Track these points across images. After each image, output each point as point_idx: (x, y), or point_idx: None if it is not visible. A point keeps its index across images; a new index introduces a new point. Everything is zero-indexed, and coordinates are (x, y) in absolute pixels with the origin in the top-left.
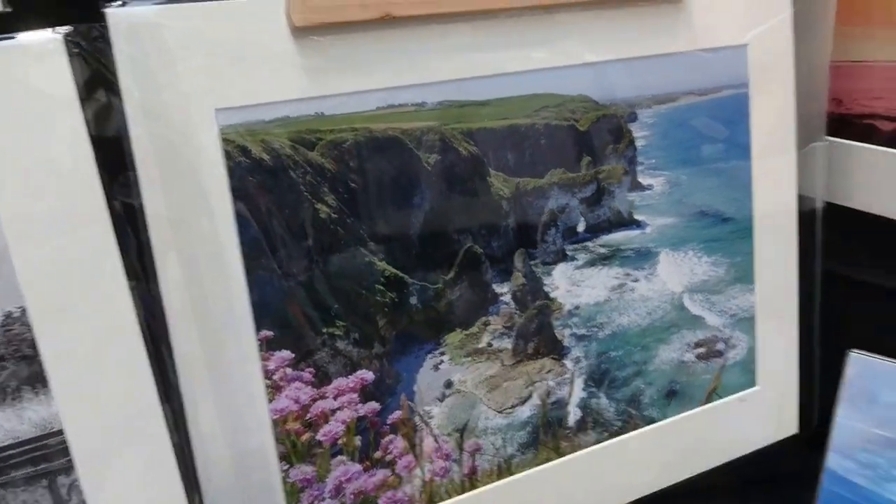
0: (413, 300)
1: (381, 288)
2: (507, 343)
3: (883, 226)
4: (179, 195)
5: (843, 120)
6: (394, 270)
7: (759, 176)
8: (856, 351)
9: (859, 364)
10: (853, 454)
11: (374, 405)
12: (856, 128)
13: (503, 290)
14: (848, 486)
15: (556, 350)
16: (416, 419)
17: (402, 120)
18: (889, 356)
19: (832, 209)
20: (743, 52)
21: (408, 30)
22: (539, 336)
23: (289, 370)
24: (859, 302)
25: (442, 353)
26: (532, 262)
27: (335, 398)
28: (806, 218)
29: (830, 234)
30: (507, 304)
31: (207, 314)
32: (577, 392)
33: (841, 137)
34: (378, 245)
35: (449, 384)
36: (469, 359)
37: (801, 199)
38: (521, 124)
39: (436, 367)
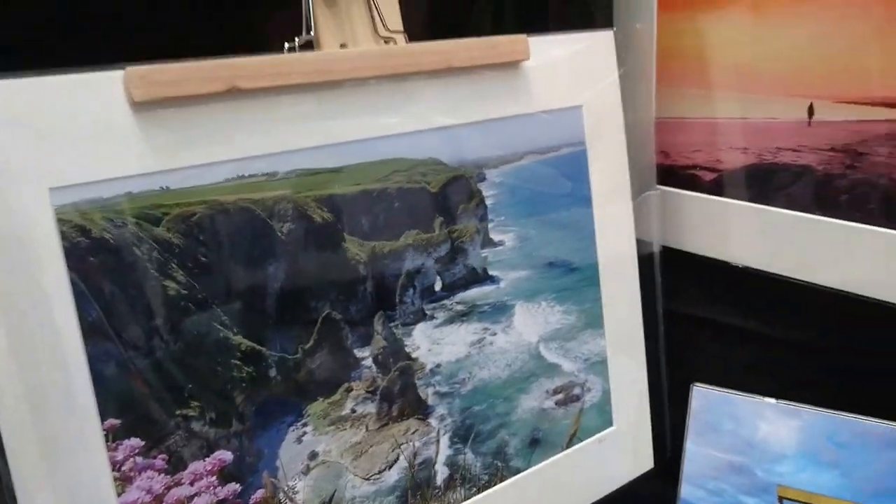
0: (272, 372)
1: (238, 363)
2: (371, 407)
3: (712, 266)
4: (11, 279)
5: (670, 170)
6: (250, 343)
7: (601, 225)
8: (698, 384)
9: (702, 396)
10: (703, 483)
11: (234, 487)
12: (681, 177)
13: (364, 354)
14: None
15: (421, 410)
16: (281, 496)
17: (253, 190)
18: (729, 387)
19: (668, 252)
20: (579, 113)
21: (255, 101)
22: (403, 397)
23: (139, 459)
24: (699, 338)
25: (304, 425)
26: (392, 324)
27: (192, 484)
28: (645, 262)
29: (668, 275)
30: (368, 367)
31: (44, 404)
32: (444, 450)
33: (670, 186)
34: (233, 318)
35: (313, 455)
36: (333, 427)
37: (640, 245)
38: (374, 189)
39: (299, 440)
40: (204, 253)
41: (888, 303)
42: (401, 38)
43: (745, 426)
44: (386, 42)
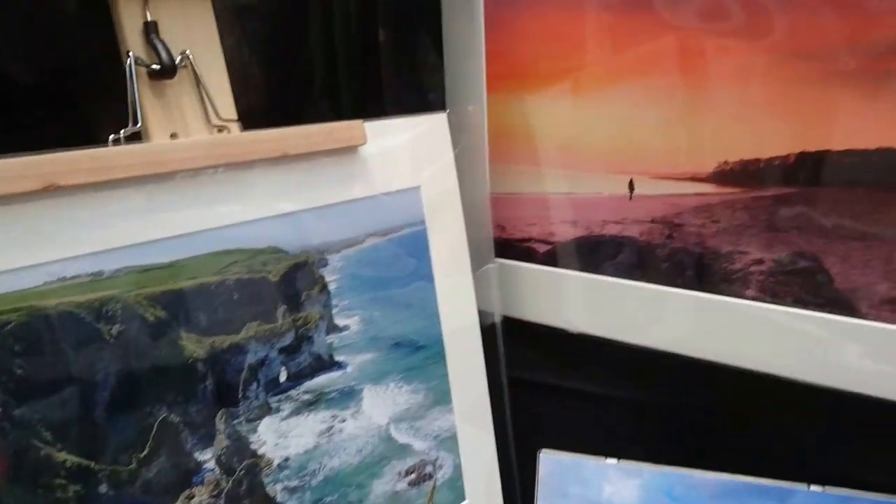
0: (103, 488)
1: (63, 482)
2: None
3: (551, 333)
4: None
5: (507, 244)
6: (77, 459)
7: (444, 301)
8: (545, 450)
9: (549, 462)
10: None
11: None
12: (518, 250)
13: (206, 456)
14: None
15: None
16: None
17: (76, 293)
18: (574, 450)
19: (509, 322)
20: (417, 193)
21: (77, 197)
22: (250, 497)
23: None
24: (544, 404)
25: None
26: (235, 422)
27: None
28: (487, 333)
29: (510, 345)
30: (211, 470)
31: None
32: None
33: (508, 259)
34: (56, 434)
35: None
36: None
37: (482, 316)
38: (211, 282)
39: None
40: (21, 365)
41: (708, 361)
42: (235, 127)
43: (591, 488)
44: (220, 131)
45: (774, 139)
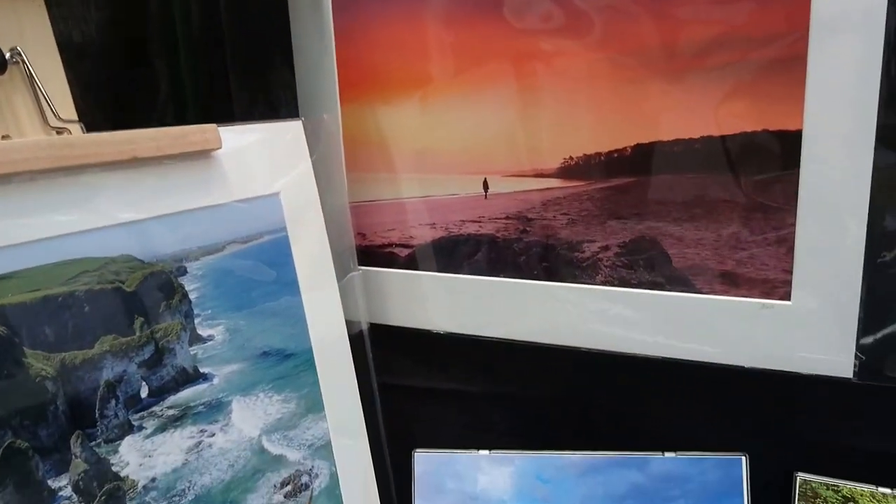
0: None
1: None
2: None
3: (417, 336)
4: None
5: (368, 251)
6: None
7: (310, 310)
8: (419, 450)
9: (424, 461)
10: None
11: None
12: (380, 256)
13: (61, 483)
14: None
15: None
16: None
17: None
18: (448, 448)
19: (376, 329)
20: (277, 200)
21: None
22: None
23: None
24: (415, 406)
25: None
26: (93, 444)
27: None
28: (355, 341)
29: (379, 351)
30: (68, 498)
31: None
32: None
33: (370, 266)
34: None
35: None
36: None
37: (349, 325)
38: (58, 294)
39: None
40: None
41: (567, 347)
42: (76, 129)
43: (466, 481)
44: (59, 133)
45: (612, 134)
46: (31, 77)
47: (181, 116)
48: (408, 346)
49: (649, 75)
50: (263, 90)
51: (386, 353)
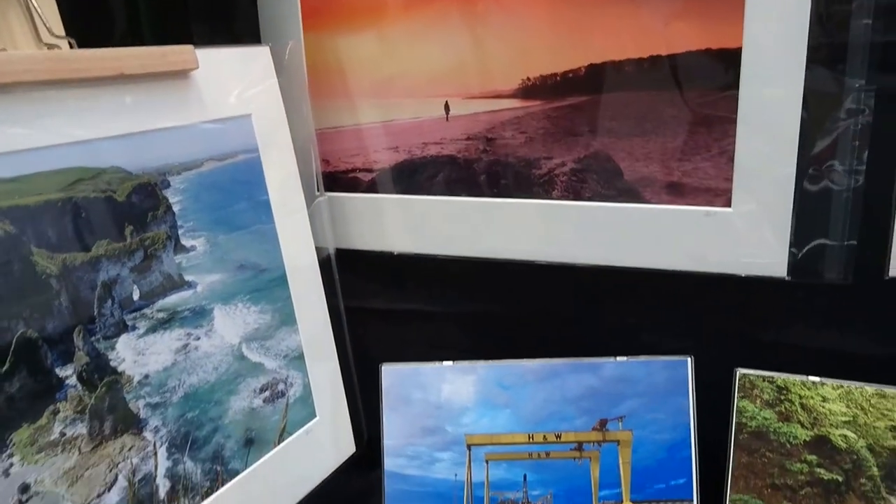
0: None
1: None
2: (82, 428)
3: (382, 259)
4: None
5: (333, 177)
6: None
7: (282, 230)
8: (386, 363)
9: (391, 374)
10: (403, 451)
11: None
12: (344, 181)
13: (67, 372)
14: (405, 480)
15: (134, 424)
16: None
17: None
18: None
19: (342, 254)
20: (249, 121)
21: None
22: (113, 413)
23: None
24: (382, 326)
25: (10, 456)
26: (93, 339)
27: None
28: (323, 265)
29: (346, 275)
30: (73, 386)
31: None
32: (163, 462)
33: (335, 191)
34: None
35: (25, 488)
36: (42, 454)
37: (317, 250)
38: (58, 199)
39: (6, 473)
40: None
41: (525, 261)
42: (65, 45)
43: (431, 391)
44: (50, 48)
45: (566, 55)
46: None
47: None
48: (373, 268)
49: None
50: (224, 17)
51: (352, 277)
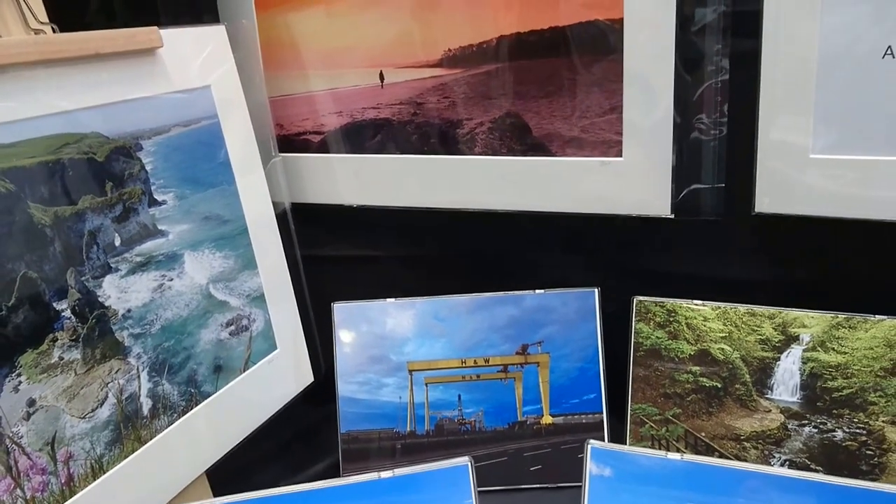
0: None
1: None
2: (77, 353)
3: (332, 211)
4: None
5: (286, 139)
6: None
7: (242, 187)
8: (338, 302)
9: (342, 311)
10: (354, 378)
11: None
12: (296, 143)
13: (63, 306)
14: (357, 403)
15: (120, 351)
16: (7, 442)
17: None
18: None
19: (297, 208)
20: (209, 92)
21: None
22: (102, 341)
23: None
24: (334, 271)
25: (19, 375)
26: (83, 278)
27: None
28: (280, 219)
29: (299, 226)
30: (69, 318)
31: None
32: (145, 384)
33: (289, 152)
34: None
35: (31, 402)
36: (45, 375)
37: (274, 206)
38: (49, 160)
39: (15, 389)
40: None
41: (454, 210)
42: (49, 30)
43: (376, 324)
44: (36, 33)
45: (481, 28)
46: None
47: (110, 24)
48: (324, 220)
49: None
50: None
51: (306, 228)
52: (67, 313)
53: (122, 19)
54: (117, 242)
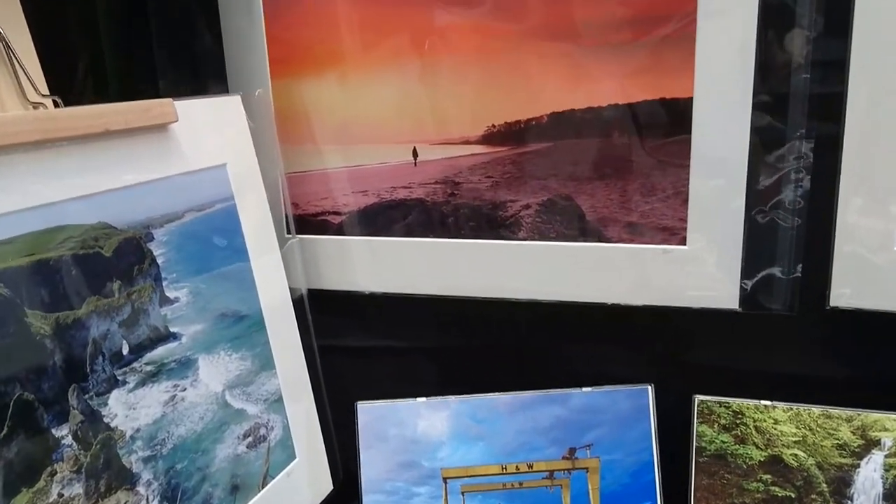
0: None
1: None
2: (79, 488)
3: (352, 298)
4: None
5: (303, 219)
6: None
7: (258, 274)
8: (361, 402)
9: (366, 411)
10: (380, 486)
11: None
12: (314, 224)
13: (63, 432)
14: None
15: (128, 479)
16: None
17: None
18: (388, 398)
19: (314, 294)
20: (224, 171)
21: None
22: (108, 470)
23: None
24: (355, 363)
25: None
26: (86, 396)
27: None
28: (297, 304)
29: (318, 315)
30: (70, 446)
31: None
32: None
33: (305, 234)
34: None
35: None
36: None
37: (290, 291)
38: (49, 258)
39: None
40: None
41: (493, 299)
42: (50, 103)
43: (406, 427)
44: (35, 107)
45: (530, 103)
46: (10, 53)
47: (103, 96)
48: (343, 307)
49: (562, 50)
50: (191, 66)
51: (323, 316)
52: (69, 440)
53: (114, 90)
54: (125, 350)
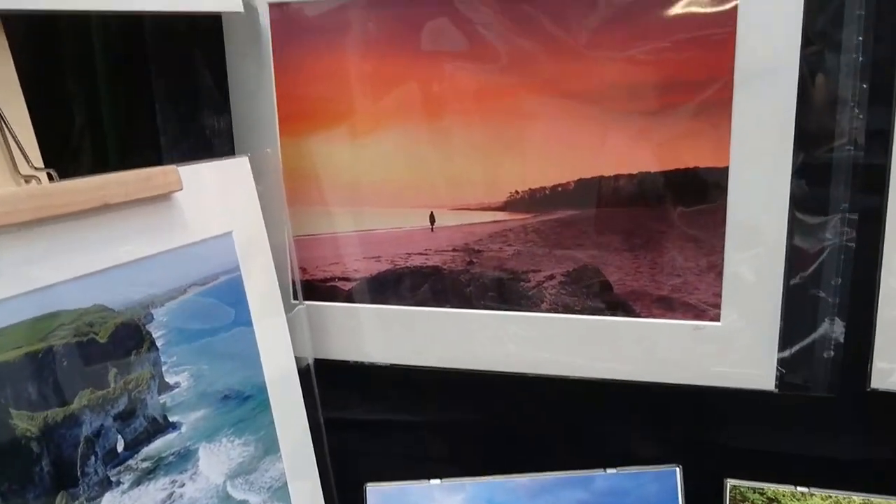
0: None
1: None
2: None
3: (361, 369)
4: None
5: (310, 285)
6: None
7: (263, 347)
8: (370, 484)
9: (376, 494)
10: None
11: None
12: (322, 290)
13: None
14: None
15: None
16: None
17: None
18: (399, 478)
19: (321, 364)
20: (230, 239)
21: None
22: None
23: None
24: (363, 438)
25: None
26: (76, 503)
27: None
28: (303, 374)
29: (325, 386)
30: None
31: None
32: None
33: (312, 300)
34: None
35: None
36: None
37: (297, 359)
38: (38, 350)
39: None
40: None
41: (512, 374)
42: (44, 177)
43: None
44: (27, 181)
45: (556, 169)
46: (4, 125)
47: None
48: (353, 379)
49: (591, 116)
50: (195, 125)
51: (331, 388)
52: None
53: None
54: (120, 447)
